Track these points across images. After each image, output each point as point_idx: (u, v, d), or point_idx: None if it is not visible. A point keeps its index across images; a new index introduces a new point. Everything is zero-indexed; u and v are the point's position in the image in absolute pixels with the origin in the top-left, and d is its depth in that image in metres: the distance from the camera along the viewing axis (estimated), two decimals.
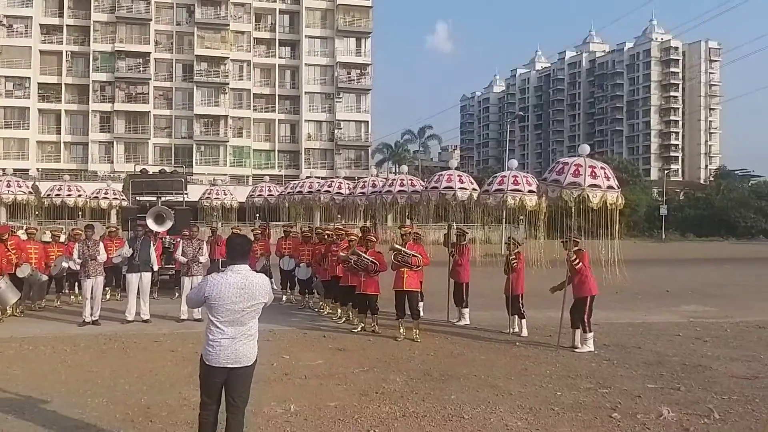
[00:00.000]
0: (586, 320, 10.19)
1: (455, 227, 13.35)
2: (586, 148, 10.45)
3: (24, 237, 14.01)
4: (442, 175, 12.81)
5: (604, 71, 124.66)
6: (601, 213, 10.01)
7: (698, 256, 39.72)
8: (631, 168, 75.41)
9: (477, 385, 7.95)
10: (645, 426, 6.47)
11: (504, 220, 16.03)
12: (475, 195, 12.43)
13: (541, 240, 11.55)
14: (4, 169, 19.59)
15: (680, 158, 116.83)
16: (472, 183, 12.73)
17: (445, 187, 12.27)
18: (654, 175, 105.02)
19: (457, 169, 13.22)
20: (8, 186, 17.33)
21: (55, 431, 6.05)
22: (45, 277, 13.56)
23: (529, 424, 6.48)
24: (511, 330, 11.50)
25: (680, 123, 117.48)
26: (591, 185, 9.64)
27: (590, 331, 10.24)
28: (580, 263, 10.20)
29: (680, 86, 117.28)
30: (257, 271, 14.96)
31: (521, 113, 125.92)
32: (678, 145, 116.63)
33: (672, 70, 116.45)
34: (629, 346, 10.65)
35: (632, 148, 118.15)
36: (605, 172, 9.98)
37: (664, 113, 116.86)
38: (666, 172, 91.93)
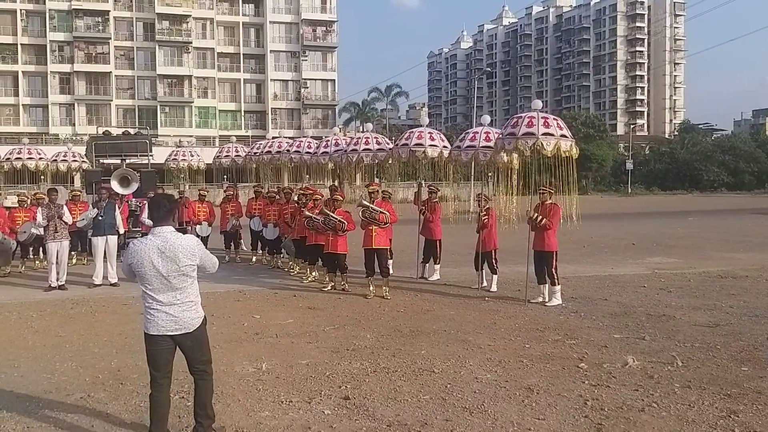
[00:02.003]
0: (554, 273, 10.33)
1: (426, 185, 13.36)
2: (538, 103, 10.78)
3: (15, 204, 13.81)
4: (412, 132, 12.76)
5: (571, 26, 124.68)
6: (561, 165, 10.23)
7: (663, 209, 40.48)
8: (598, 123, 75.91)
9: (447, 340, 8.05)
10: (611, 375, 6.62)
11: (473, 177, 16.10)
12: (446, 152, 12.43)
13: (513, 196, 11.62)
14: None
15: (645, 113, 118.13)
16: (443, 140, 12.70)
17: (416, 144, 12.23)
18: (620, 129, 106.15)
19: (428, 126, 13.16)
20: None
21: (24, 397, 5.98)
22: (12, 242, 13.31)
23: (499, 376, 6.59)
24: (480, 285, 11.63)
25: (646, 78, 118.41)
26: (544, 134, 9.89)
27: (558, 284, 10.40)
28: (543, 219, 10.31)
29: (645, 41, 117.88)
30: (226, 231, 14.91)
31: (489, 69, 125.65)
32: (643, 99, 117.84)
33: (638, 24, 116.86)
34: (596, 298, 10.85)
35: (599, 103, 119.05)
36: (558, 123, 10.25)
37: (630, 68, 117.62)
38: (632, 126, 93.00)
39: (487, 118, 13.09)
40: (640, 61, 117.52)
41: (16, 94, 64.86)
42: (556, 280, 10.38)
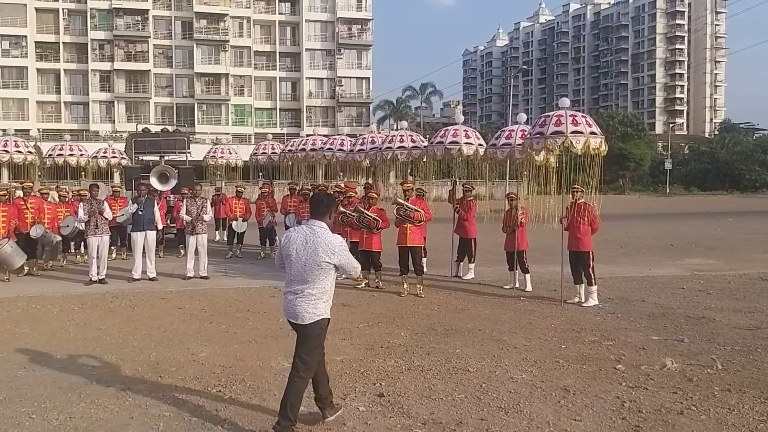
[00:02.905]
0: (591, 273, 10.23)
1: (460, 183, 13.31)
2: (566, 102, 10.68)
3: (56, 199, 14.18)
4: (447, 129, 12.71)
5: (609, 24, 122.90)
6: (592, 163, 10.17)
7: (702, 209, 39.68)
8: (636, 122, 74.64)
9: (481, 339, 8.02)
10: (649, 377, 6.53)
11: (508, 175, 15.99)
12: (481, 150, 12.37)
13: (548, 195, 11.52)
14: (4, 130, 19.49)
15: (685, 112, 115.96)
16: (478, 138, 12.64)
17: (451, 142, 12.18)
18: (659, 128, 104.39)
19: (463, 123, 13.10)
20: (6, 146, 17.23)
21: (66, 387, 6.12)
22: (58, 238, 13.64)
23: (534, 376, 6.55)
24: (513, 285, 11.55)
25: (685, 76, 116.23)
26: (573, 132, 9.82)
27: (595, 284, 10.28)
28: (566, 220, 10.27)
29: (686, 38, 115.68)
30: (262, 227, 15.06)
31: (525, 67, 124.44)
32: (683, 98, 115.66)
33: (678, 22, 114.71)
34: (633, 299, 10.70)
35: (637, 101, 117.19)
36: (586, 120, 10.18)
37: (670, 66, 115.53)
38: (671, 125, 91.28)
39: (523, 116, 13.01)
40: (680, 59, 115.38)
41: (58, 92, 66.28)
42: (592, 281, 10.26)
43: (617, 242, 18.70)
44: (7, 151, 16.76)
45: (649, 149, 73.33)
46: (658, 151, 78.02)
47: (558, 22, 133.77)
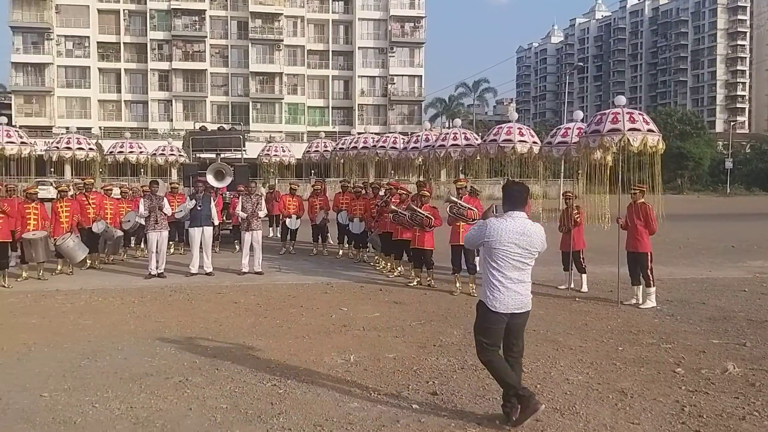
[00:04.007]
0: (649, 274, 10.01)
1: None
2: (622, 99, 10.51)
3: (118, 195, 14.67)
4: (501, 127, 12.62)
5: (668, 19, 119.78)
6: (649, 162, 10.00)
7: (765, 210, 38.30)
8: (696, 120, 72.64)
9: (536, 340, 7.91)
10: (709, 381, 6.35)
11: (563, 174, 15.79)
12: (535, 148, 12.22)
13: (605, 194, 11.32)
14: (68, 128, 20.18)
15: (747, 110, 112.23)
16: (532, 136, 12.50)
17: (504, 140, 12.09)
18: (719, 127, 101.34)
19: (517, 121, 12.97)
20: (69, 143, 17.83)
21: (126, 378, 6.30)
22: (119, 233, 14.06)
23: (590, 378, 6.43)
24: (568, 286, 11.37)
25: (747, 73, 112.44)
26: (630, 129, 9.69)
27: (653, 286, 10.06)
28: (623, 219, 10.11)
29: (748, 34, 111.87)
30: (315, 224, 15.28)
31: (580, 64, 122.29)
32: (745, 96, 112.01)
33: (739, 17, 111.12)
34: (693, 301, 10.41)
35: (697, 99, 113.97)
36: (643, 117, 10.04)
37: (731, 63, 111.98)
38: (732, 124, 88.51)
39: (579, 114, 12.83)
40: (742, 55, 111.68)
41: (119, 91, 68.21)
42: (651, 282, 10.03)
43: (676, 243, 18.22)
44: (70, 148, 17.39)
45: (709, 148, 71.26)
46: (718, 150, 75.78)
47: (615, 18, 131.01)
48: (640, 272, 10.13)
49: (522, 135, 12.21)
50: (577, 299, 10.55)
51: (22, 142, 14.84)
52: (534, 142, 12.30)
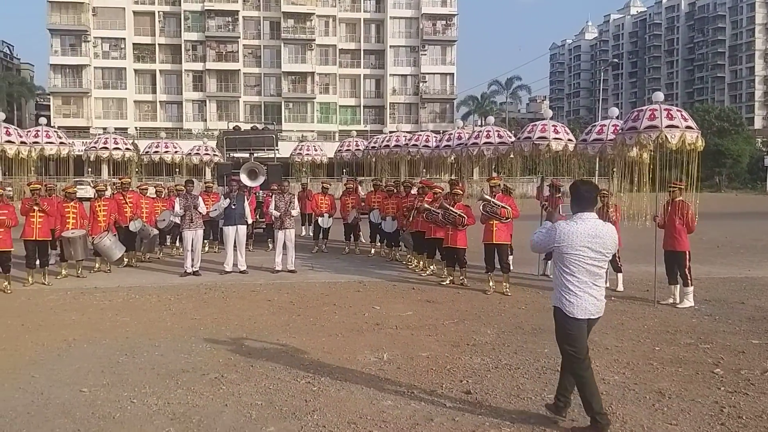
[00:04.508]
0: (687, 273, 9.83)
1: (549, 179, 13.06)
2: (659, 95, 10.29)
3: (153, 195, 14.91)
4: (535, 125, 12.49)
5: (705, 14, 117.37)
6: (687, 159, 9.80)
7: None
8: (734, 116, 71.08)
9: None
10: (749, 382, 6.21)
11: (597, 172, 15.62)
12: (570, 146, 12.09)
13: (642, 192, 11.15)
14: (105, 128, 20.52)
15: None
16: (567, 133, 12.36)
17: (539, 138, 11.96)
18: (758, 123, 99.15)
19: (551, 119, 12.83)
20: (107, 144, 18.15)
21: (164, 374, 6.39)
22: (155, 231, 14.28)
23: (627, 378, 6.35)
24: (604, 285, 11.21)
25: None
26: (668, 126, 9.49)
27: (691, 285, 9.88)
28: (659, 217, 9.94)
29: None
30: (347, 223, 15.32)
31: (615, 61, 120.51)
32: None
33: None
34: (731, 301, 10.21)
35: (735, 95, 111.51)
36: (681, 114, 9.83)
37: None
38: None
39: (615, 111, 12.64)
40: None
41: (154, 92, 69.18)
42: (688, 281, 9.86)
43: (713, 242, 17.87)
44: (107, 148, 17.70)
45: (748, 145, 69.78)
46: (757, 146, 74.07)
47: (650, 14, 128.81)
48: (678, 271, 9.97)
49: (557, 132, 12.07)
50: (612, 298, 10.39)
51: (61, 143, 15.14)
52: (569, 140, 12.15)
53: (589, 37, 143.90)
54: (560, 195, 12.64)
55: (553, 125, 12.29)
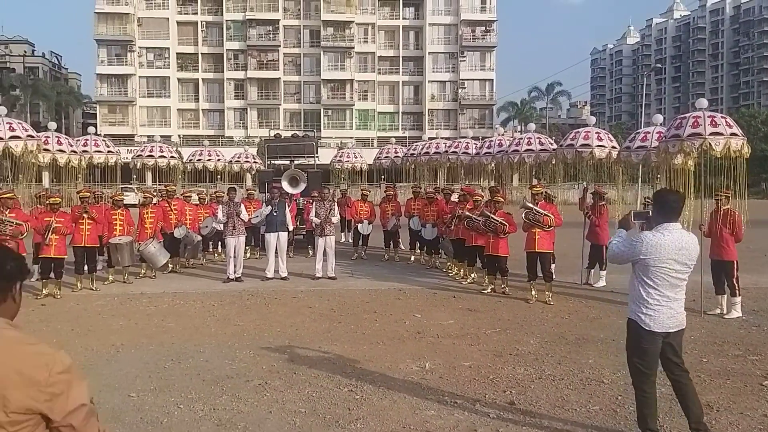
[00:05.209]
0: (735, 283, 9.61)
1: (593, 187, 12.90)
2: (703, 102, 10.11)
3: (196, 202, 15.19)
4: (578, 132, 12.36)
5: (751, 18, 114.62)
6: (732, 166, 9.61)
7: None
8: None
9: (616, 350, 7.67)
10: None
11: (640, 179, 15.38)
12: (614, 153, 11.93)
13: (689, 200, 10.94)
14: (151, 136, 20.94)
15: None
16: (611, 140, 12.20)
17: (582, 145, 11.83)
18: None
19: (594, 125, 12.67)
20: (152, 151, 18.52)
21: (209, 380, 6.49)
22: (198, 238, 14.52)
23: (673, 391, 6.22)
24: None
25: None
26: (712, 133, 9.30)
27: (739, 295, 9.65)
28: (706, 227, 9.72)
29: None
30: (387, 230, 15.30)
31: (658, 66, 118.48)
32: None
33: None
34: None
35: None
36: (726, 121, 9.68)
37: None
38: None
39: (659, 117, 12.45)
40: None
41: (197, 100, 70.35)
42: (736, 291, 9.63)
43: (761, 250, 17.41)
44: (152, 156, 18.05)
45: None
46: None
47: (694, 18, 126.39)
48: (725, 281, 9.76)
49: (600, 140, 11.92)
50: None
51: (108, 151, 15.51)
52: (612, 147, 11.99)
53: (631, 41, 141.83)
54: (603, 203, 12.48)
55: (596, 132, 12.14)
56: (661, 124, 12.06)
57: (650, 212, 5.10)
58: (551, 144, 13.46)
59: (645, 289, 4.72)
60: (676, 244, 4.64)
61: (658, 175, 12.21)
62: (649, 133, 11.64)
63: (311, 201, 14.52)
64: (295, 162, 18.69)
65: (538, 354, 7.51)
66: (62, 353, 1.99)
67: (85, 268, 11.81)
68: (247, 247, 15.00)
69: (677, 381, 4.90)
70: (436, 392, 6.13)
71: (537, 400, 5.95)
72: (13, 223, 10.28)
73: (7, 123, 12.18)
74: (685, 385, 4.89)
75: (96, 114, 70.26)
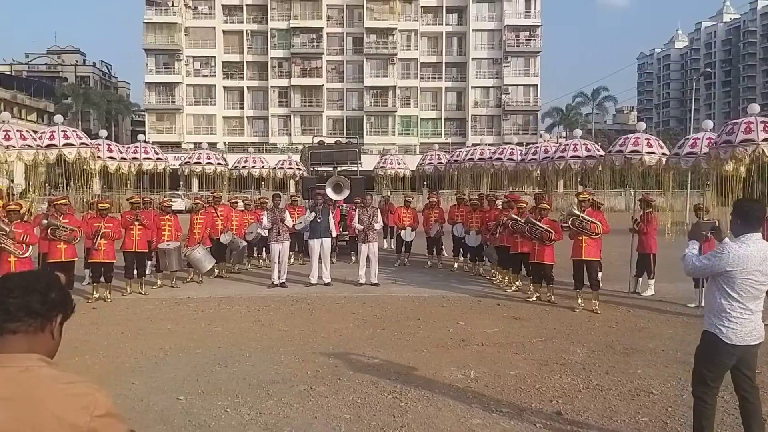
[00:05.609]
0: None
1: (641, 194, 12.66)
2: (755, 107, 9.93)
3: (242, 208, 15.45)
4: (627, 138, 12.16)
5: None
6: None
7: None
8: None
9: (665, 360, 7.55)
10: None
11: (689, 186, 15.06)
12: (664, 160, 11.70)
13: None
14: (199, 143, 21.34)
15: None
16: (661, 147, 11.97)
17: (631, 151, 11.62)
18: None
19: (644, 131, 12.44)
20: (200, 158, 18.90)
21: (255, 384, 6.55)
22: (244, 243, 14.71)
23: (726, 402, 6.02)
24: (698, 303, 10.74)
25: None
26: (765, 139, 9.05)
27: None
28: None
29: None
30: (430, 237, 15.21)
31: (707, 70, 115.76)
32: None
33: None
34: None
35: None
36: None
37: None
38: None
39: (709, 123, 12.18)
40: None
41: (242, 107, 71.38)
42: None
43: None
44: (200, 163, 18.41)
45: None
46: None
47: (744, 21, 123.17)
48: None
49: (650, 146, 11.70)
50: None
51: (157, 158, 15.86)
52: (663, 154, 11.76)
53: (679, 45, 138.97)
54: (651, 210, 12.22)
55: (646, 138, 11.94)
56: (711, 130, 11.80)
57: (716, 222, 4.96)
58: (598, 150, 13.28)
59: (728, 301, 4.54)
60: (761, 255, 4.50)
61: (708, 182, 11.94)
62: (698, 139, 11.40)
63: (354, 207, 14.57)
64: (338, 168, 18.80)
65: (585, 363, 7.39)
66: (102, 393, 1.86)
67: (135, 272, 12.08)
68: (291, 253, 15.14)
69: (745, 397, 4.74)
70: (481, 401, 6.08)
71: (584, 410, 5.85)
72: (67, 229, 10.57)
73: (62, 131, 12.59)
74: (752, 403, 4.71)
75: (144, 122, 71.86)
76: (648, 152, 11.59)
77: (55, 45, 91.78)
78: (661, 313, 10.36)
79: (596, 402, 6.08)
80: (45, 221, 10.75)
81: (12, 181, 17.09)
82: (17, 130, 12.03)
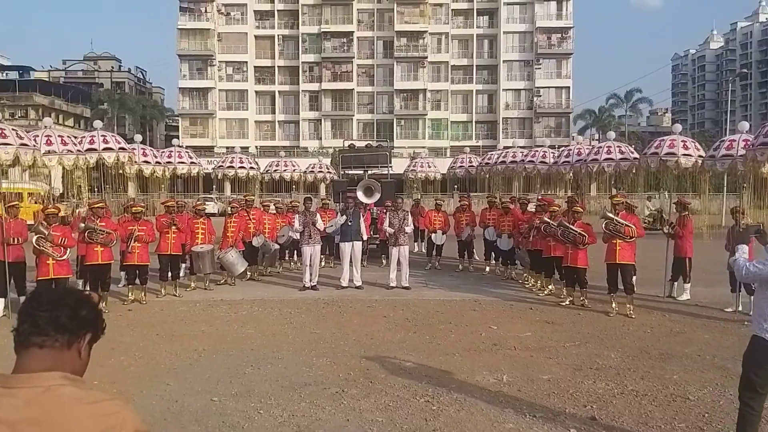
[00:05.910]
0: None
1: (672, 197, 12.47)
2: None
3: (273, 211, 15.60)
4: (663, 140, 11.99)
5: None
6: None
7: None
8: None
9: (702, 366, 7.41)
10: None
11: (725, 188, 14.79)
12: (700, 162, 11.51)
13: None
14: (232, 148, 21.56)
15: None
16: (698, 149, 11.77)
17: (667, 153, 11.46)
18: None
19: (680, 133, 12.25)
20: (233, 162, 19.12)
21: (287, 386, 6.59)
22: (276, 246, 14.84)
23: (765, 408, 5.91)
24: (735, 308, 10.53)
25: None
26: None
27: None
28: None
29: None
30: (461, 240, 15.16)
31: (744, 71, 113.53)
32: None
33: None
34: None
35: None
36: None
37: None
38: None
39: (745, 125, 11.93)
40: None
41: (273, 112, 71.97)
42: None
43: None
44: (233, 167, 18.61)
45: None
46: None
47: None
48: None
49: (686, 148, 11.51)
50: (746, 323, 9.71)
51: (191, 162, 16.08)
52: (699, 156, 11.57)
53: (715, 46, 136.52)
54: (686, 213, 12.03)
55: (682, 140, 11.76)
56: (747, 132, 11.57)
57: (760, 225, 4.88)
58: (632, 152, 13.11)
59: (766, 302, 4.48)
60: None
61: (745, 185, 11.72)
62: (734, 140, 11.18)
63: (385, 211, 14.58)
64: (369, 172, 18.84)
65: (620, 368, 7.29)
66: (129, 410, 1.78)
67: (169, 275, 12.25)
68: (322, 256, 15.20)
69: None
70: (514, 405, 6.04)
71: (619, 415, 5.77)
72: (104, 232, 10.77)
73: (101, 135, 12.84)
74: None
75: (178, 126, 72.85)
76: (684, 154, 11.42)
77: (92, 51, 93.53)
78: (697, 318, 10.19)
79: (631, 407, 6.00)
80: (82, 224, 10.96)
81: (50, 185, 17.47)
82: (58, 136, 12.28)
